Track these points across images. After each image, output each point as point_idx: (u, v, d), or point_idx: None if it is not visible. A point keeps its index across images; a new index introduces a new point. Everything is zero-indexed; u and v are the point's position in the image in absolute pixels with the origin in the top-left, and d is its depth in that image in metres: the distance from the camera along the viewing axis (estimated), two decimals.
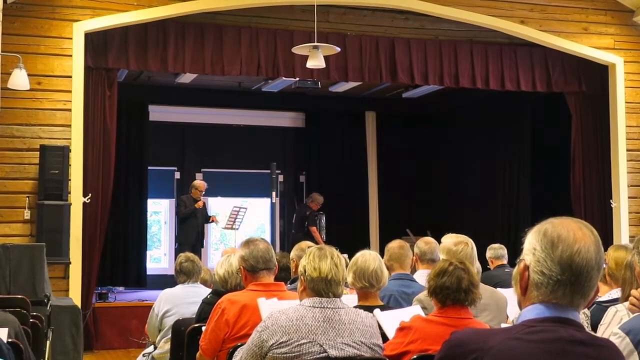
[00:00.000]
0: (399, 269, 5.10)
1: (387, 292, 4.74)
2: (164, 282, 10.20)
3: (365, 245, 4.83)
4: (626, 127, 9.85)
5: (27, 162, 8.14)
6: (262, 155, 13.28)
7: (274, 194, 11.94)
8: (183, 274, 5.79)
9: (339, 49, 8.23)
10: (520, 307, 2.00)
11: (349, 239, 11.81)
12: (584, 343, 1.88)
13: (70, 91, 8.23)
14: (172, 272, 7.30)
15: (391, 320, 3.76)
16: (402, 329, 3.50)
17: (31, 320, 5.00)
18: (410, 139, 14.10)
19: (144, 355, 6.05)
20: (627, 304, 3.39)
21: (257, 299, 3.74)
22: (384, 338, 3.58)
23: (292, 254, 5.42)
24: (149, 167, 12.67)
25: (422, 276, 5.05)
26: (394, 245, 5.20)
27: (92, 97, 8.51)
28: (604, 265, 3.27)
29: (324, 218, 12.47)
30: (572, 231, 1.92)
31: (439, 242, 5.16)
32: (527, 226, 2.04)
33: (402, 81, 9.94)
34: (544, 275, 1.91)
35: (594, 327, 3.61)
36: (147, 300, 9.70)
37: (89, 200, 8.35)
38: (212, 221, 12.00)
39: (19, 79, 7.74)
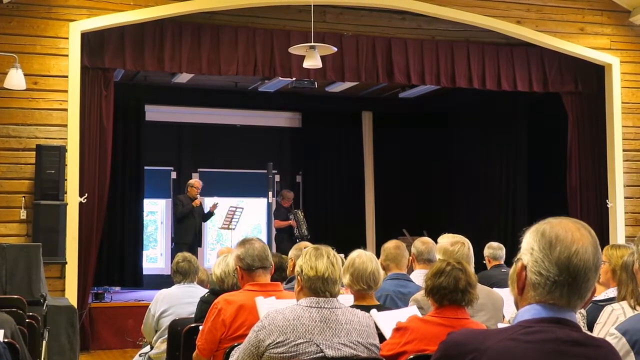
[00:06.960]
0: (395, 269, 5.10)
1: (383, 292, 4.74)
2: (160, 282, 10.19)
3: (362, 245, 4.81)
4: (622, 127, 9.86)
5: (24, 162, 8.13)
6: (258, 155, 13.27)
7: (270, 194, 11.95)
8: (180, 274, 5.78)
9: (335, 49, 8.23)
10: (517, 307, 1.99)
11: (345, 239, 11.78)
12: (581, 343, 1.88)
13: (66, 91, 8.22)
14: (168, 272, 7.31)
15: (388, 320, 3.76)
16: (399, 329, 3.50)
17: (27, 320, 4.99)
18: (406, 139, 14.08)
19: (140, 356, 6.05)
20: (623, 303, 3.40)
21: (254, 298, 3.74)
22: (382, 338, 3.58)
23: (291, 253, 5.41)
24: (146, 167, 12.64)
25: (418, 276, 5.05)
26: (390, 245, 5.21)
27: (88, 97, 8.50)
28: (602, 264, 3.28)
29: (301, 212, 12.40)
30: (570, 232, 1.91)
31: (436, 242, 5.16)
32: (523, 226, 2.04)
33: (399, 81, 9.94)
34: (541, 276, 1.90)
35: (590, 326, 3.62)
36: (143, 301, 9.68)
37: (85, 200, 8.34)
38: (213, 210, 11.92)
39: (15, 79, 7.73)
